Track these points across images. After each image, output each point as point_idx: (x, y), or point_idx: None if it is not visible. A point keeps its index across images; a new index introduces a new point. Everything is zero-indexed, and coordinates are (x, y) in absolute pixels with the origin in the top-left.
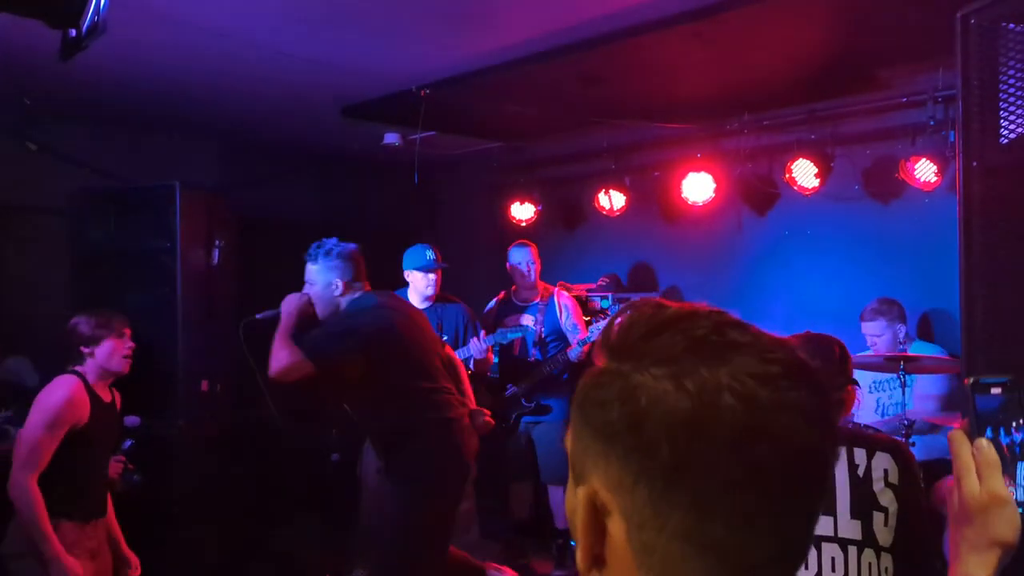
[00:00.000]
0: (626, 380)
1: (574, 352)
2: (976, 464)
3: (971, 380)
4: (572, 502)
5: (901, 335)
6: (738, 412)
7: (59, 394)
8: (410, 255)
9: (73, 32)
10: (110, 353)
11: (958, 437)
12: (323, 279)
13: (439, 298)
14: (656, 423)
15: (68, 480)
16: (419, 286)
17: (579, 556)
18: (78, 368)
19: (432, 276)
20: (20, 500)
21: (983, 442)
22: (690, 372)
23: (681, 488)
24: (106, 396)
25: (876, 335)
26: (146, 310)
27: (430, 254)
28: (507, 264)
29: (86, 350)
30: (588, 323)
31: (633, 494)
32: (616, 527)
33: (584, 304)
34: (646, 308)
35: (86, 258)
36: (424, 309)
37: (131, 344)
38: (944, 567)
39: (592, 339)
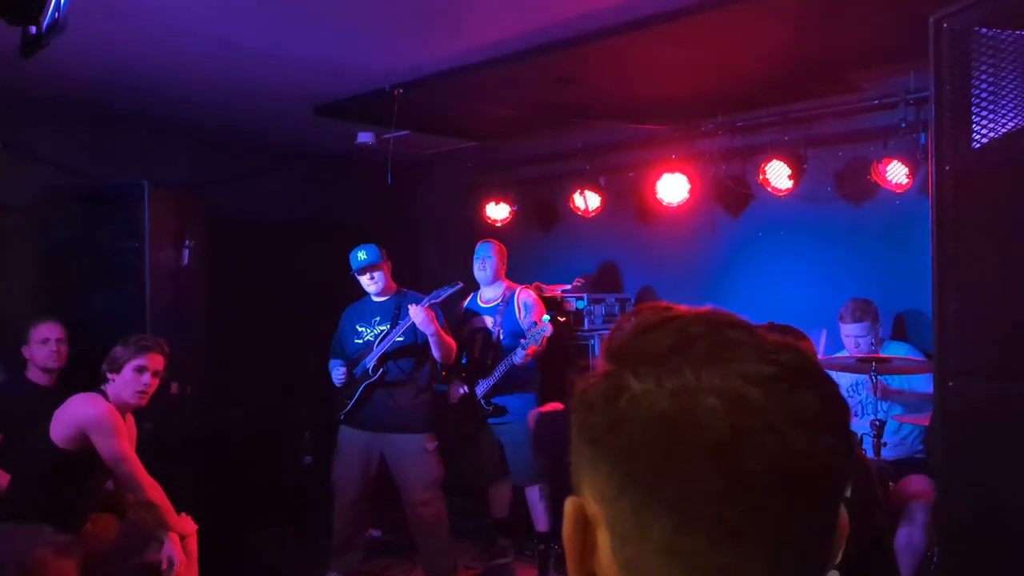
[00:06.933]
0: (613, 381)
1: (519, 355)
2: None
3: None
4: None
5: (879, 335)
6: (721, 415)
7: (101, 407)
8: (350, 257)
9: (33, 29)
10: (126, 383)
11: None
12: None
13: (399, 291)
14: (635, 426)
15: (65, 493)
16: (362, 285)
17: (570, 571)
18: (103, 387)
19: (364, 277)
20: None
21: None
22: (674, 371)
23: (661, 497)
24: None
25: (861, 336)
26: (114, 310)
27: (361, 255)
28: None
29: (110, 375)
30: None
31: (617, 504)
32: (604, 541)
33: (559, 305)
34: (649, 310)
35: (53, 257)
36: (385, 300)
37: (148, 381)
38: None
39: (535, 340)
